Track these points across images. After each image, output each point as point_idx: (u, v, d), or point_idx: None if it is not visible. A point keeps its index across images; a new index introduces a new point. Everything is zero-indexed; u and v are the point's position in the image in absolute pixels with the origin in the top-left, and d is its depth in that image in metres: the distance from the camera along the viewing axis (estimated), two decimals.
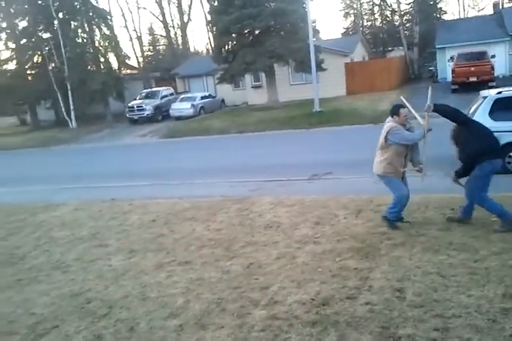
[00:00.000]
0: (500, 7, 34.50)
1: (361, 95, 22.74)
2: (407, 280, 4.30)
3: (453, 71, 21.51)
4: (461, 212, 5.59)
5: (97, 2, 29.47)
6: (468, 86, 19.67)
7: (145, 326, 4.00)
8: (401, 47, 35.57)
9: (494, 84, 18.75)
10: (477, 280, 4.12)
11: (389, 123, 5.53)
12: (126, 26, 42.85)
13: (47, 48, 27.42)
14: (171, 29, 44.14)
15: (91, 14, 28.35)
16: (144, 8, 52.03)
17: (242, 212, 7.15)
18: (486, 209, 5.36)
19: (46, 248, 6.50)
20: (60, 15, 27.58)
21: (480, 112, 8.48)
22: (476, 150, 5.19)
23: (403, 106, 5.52)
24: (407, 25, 38.07)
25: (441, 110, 5.25)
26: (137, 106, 25.94)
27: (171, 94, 28.03)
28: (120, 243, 6.34)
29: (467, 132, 5.31)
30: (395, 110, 5.52)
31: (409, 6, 38.74)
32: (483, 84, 18.09)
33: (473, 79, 20.29)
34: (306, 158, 11.64)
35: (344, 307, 3.95)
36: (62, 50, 26.10)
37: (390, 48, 40.29)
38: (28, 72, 30.02)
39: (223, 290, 4.56)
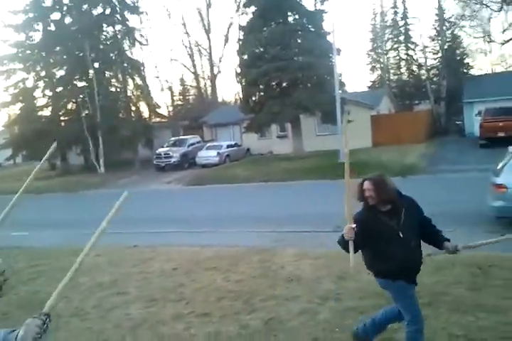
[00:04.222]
0: None
1: (387, 147, 22.75)
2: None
3: (481, 126, 21.46)
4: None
5: (131, 53, 30.97)
6: (496, 141, 19.52)
7: None
8: (428, 101, 35.89)
9: None
10: None
11: None
12: (158, 77, 44.69)
13: (81, 96, 28.57)
14: (201, 80, 45.78)
15: (125, 65, 29.68)
16: (176, 60, 54.35)
17: (264, 263, 7.05)
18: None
19: (65, 294, 6.47)
20: (96, 65, 28.95)
21: (508, 168, 8.38)
22: None
23: None
24: (434, 79, 38.53)
25: None
26: (164, 154, 26.52)
27: (198, 142, 28.64)
28: (140, 291, 6.29)
29: None
30: None
31: (436, 60, 39.41)
32: None
33: (501, 134, 20.14)
34: (331, 209, 11.53)
35: None
36: (96, 98, 27.14)
37: (416, 102, 40.59)
38: (62, 118, 31.17)
39: None
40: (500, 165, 8.78)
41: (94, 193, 21.10)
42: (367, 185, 3.55)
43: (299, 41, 23.45)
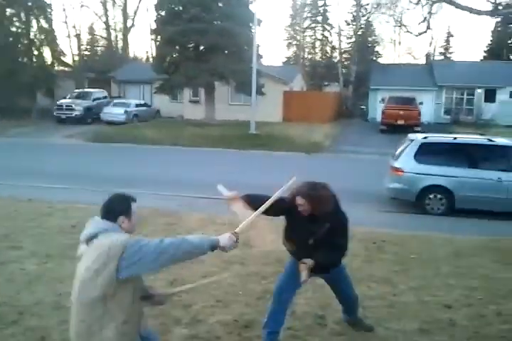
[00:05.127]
0: (432, 58, 37.23)
1: (296, 123, 23.32)
2: (328, 307, 4.39)
3: (383, 112, 22.75)
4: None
5: None
6: (395, 128, 20.88)
7: (57, 337, 3.74)
8: (337, 83, 37.18)
9: (419, 129, 20.02)
10: (394, 314, 4.29)
11: (112, 237, 2.33)
12: (66, 22, 41.66)
13: None
14: (112, 32, 43.33)
15: (30, 4, 27.15)
16: (88, 7, 50.74)
17: (169, 226, 7.01)
18: None
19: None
20: None
21: (406, 154, 9.02)
22: None
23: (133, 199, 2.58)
24: (346, 63, 39.91)
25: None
26: (66, 106, 24.94)
27: (105, 97, 27.28)
28: (36, 246, 5.97)
29: None
30: (125, 206, 2.52)
31: (349, 45, 40.74)
32: (410, 128, 19.28)
33: (400, 122, 21.56)
34: (238, 178, 11.67)
35: None
36: None
37: (326, 83, 41.89)
38: None
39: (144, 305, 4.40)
40: (399, 150, 9.43)
41: None
42: (300, 200, 3.27)
43: (220, 5, 22.90)
